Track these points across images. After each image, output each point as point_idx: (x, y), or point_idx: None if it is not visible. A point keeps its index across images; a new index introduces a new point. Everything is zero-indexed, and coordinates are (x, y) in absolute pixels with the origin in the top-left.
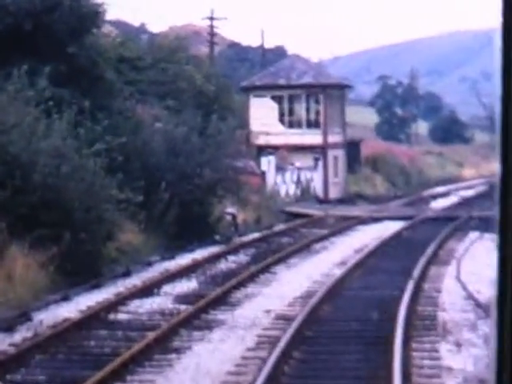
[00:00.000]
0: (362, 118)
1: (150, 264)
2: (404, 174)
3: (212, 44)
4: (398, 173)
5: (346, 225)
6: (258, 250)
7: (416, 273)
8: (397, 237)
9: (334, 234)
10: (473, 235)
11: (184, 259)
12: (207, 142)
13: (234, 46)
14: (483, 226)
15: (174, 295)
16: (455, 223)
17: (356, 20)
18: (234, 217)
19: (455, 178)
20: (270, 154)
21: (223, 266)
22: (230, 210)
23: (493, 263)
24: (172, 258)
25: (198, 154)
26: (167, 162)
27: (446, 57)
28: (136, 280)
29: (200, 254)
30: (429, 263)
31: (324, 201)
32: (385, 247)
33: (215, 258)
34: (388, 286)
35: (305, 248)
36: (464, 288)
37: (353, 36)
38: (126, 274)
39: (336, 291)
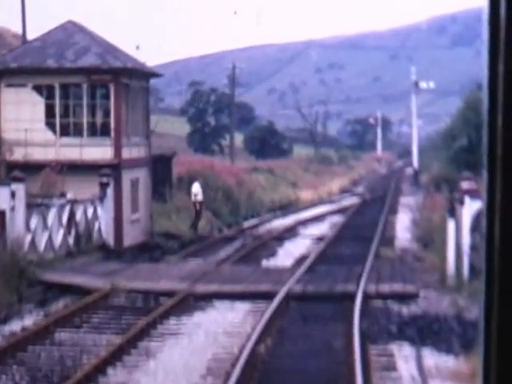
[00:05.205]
0: (172, 128)
1: None
2: (231, 199)
3: None
4: (223, 198)
5: (150, 318)
6: None
7: None
8: (252, 360)
9: (128, 347)
10: (400, 353)
11: None
12: None
13: None
14: (409, 328)
15: None
16: (343, 313)
17: (163, 30)
18: None
19: (293, 203)
20: (18, 179)
21: None
22: None
23: None
24: None
25: None
26: None
27: (255, 69)
28: None
29: None
30: None
31: (116, 251)
32: None
33: None
34: None
35: None
36: None
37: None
38: None
39: None
